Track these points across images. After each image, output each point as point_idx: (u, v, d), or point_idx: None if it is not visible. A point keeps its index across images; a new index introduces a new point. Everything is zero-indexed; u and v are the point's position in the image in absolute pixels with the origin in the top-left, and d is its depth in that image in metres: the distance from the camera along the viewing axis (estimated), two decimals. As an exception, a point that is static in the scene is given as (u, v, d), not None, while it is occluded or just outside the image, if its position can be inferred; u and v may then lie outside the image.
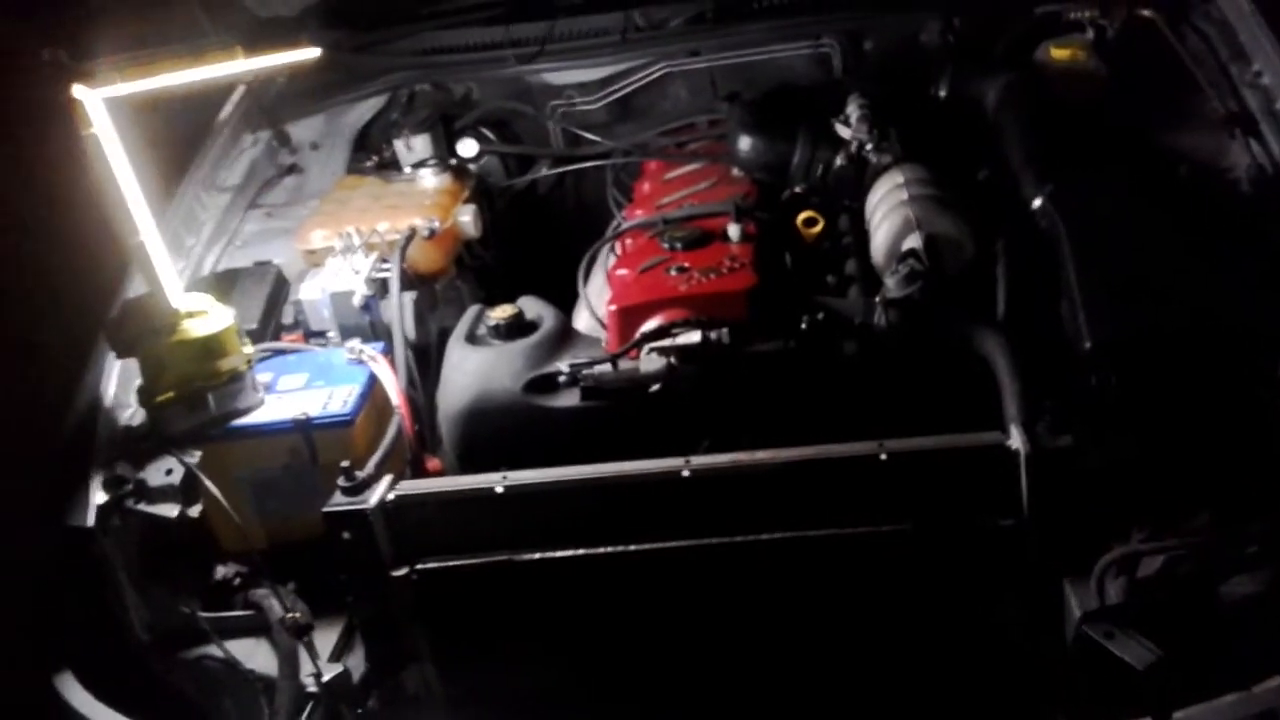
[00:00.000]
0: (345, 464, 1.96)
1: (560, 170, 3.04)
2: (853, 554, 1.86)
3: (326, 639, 2.10)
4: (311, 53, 2.47)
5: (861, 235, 2.35)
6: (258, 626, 2.09)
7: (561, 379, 2.11)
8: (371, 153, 2.99)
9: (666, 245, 2.29)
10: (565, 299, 2.49)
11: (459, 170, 2.82)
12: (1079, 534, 1.85)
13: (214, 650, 2.09)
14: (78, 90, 1.85)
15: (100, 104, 1.89)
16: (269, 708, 2.01)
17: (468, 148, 2.94)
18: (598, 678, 1.99)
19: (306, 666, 2.01)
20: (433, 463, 2.27)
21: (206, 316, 2.10)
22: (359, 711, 2.04)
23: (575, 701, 2.00)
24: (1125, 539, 1.85)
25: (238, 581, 2.12)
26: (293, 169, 3.01)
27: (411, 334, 2.38)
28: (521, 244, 3.05)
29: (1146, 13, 2.66)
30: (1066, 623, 1.85)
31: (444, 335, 2.51)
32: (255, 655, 2.08)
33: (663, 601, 1.92)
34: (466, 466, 2.16)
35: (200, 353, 2.08)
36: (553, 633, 1.98)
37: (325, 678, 1.97)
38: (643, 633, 1.95)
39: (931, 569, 1.86)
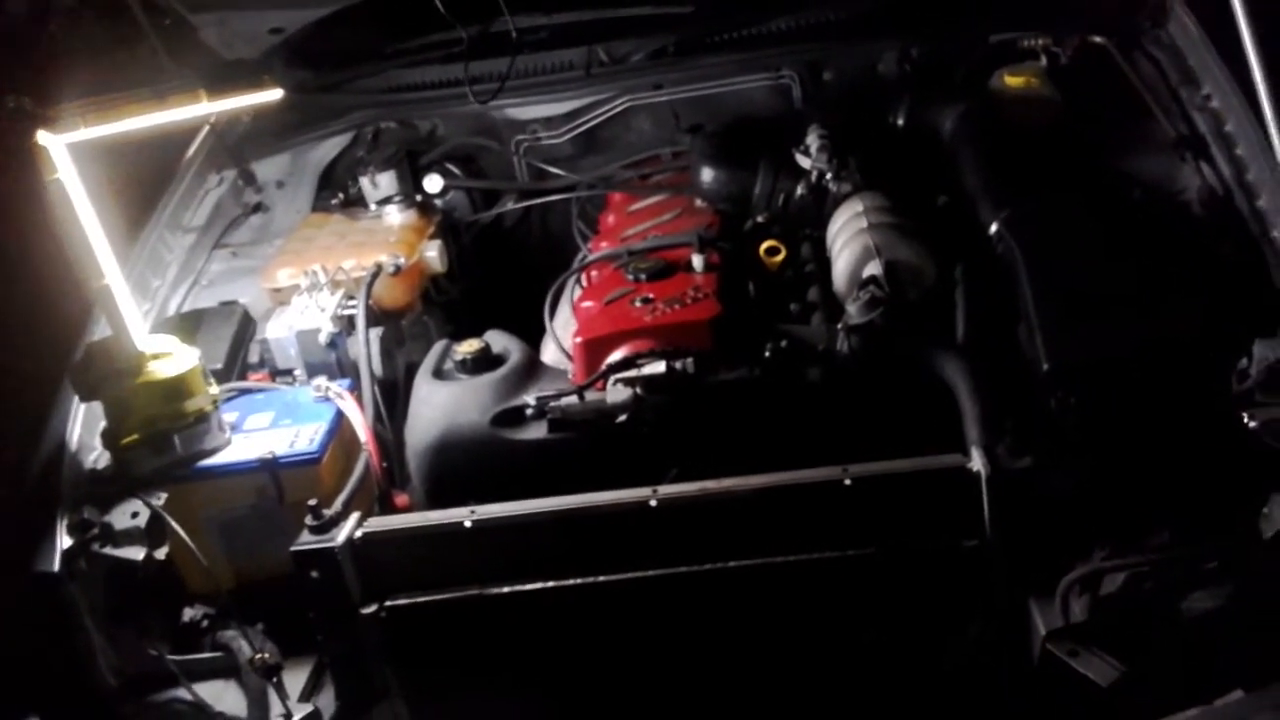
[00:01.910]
0: (312, 502, 1.96)
1: (526, 204, 3.05)
2: (820, 578, 1.87)
3: (297, 678, 2.09)
4: (275, 93, 2.49)
5: (823, 263, 2.38)
6: (227, 668, 2.09)
7: (529, 411, 2.11)
8: (337, 190, 3.01)
9: (631, 277, 2.31)
10: (532, 332, 2.50)
11: (424, 206, 2.84)
12: (1042, 553, 1.87)
13: (183, 693, 2.08)
14: (41, 137, 1.86)
15: (64, 149, 1.89)
16: (241, 749, 2.01)
17: (433, 183, 2.96)
18: (570, 710, 1.99)
19: (276, 707, 2.01)
20: (401, 499, 2.28)
21: (171, 358, 2.10)
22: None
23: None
24: (1088, 557, 1.87)
25: (205, 623, 2.11)
26: (258, 208, 3.01)
27: (379, 370, 2.39)
28: (488, 278, 3.06)
29: (1098, 39, 2.71)
30: (1032, 641, 1.88)
31: (411, 371, 2.51)
32: (224, 697, 2.07)
33: (633, 632, 1.93)
34: (435, 501, 2.16)
35: (165, 394, 2.08)
36: (524, 666, 1.98)
37: (295, 718, 1.96)
38: (614, 663, 1.95)
39: (898, 591, 1.88)
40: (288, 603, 2.10)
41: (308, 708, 1.98)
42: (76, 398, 2.21)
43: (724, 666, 1.93)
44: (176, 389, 2.09)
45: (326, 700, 2.06)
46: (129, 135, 2.00)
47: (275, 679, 1.96)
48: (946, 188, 2.44)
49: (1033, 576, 1.87)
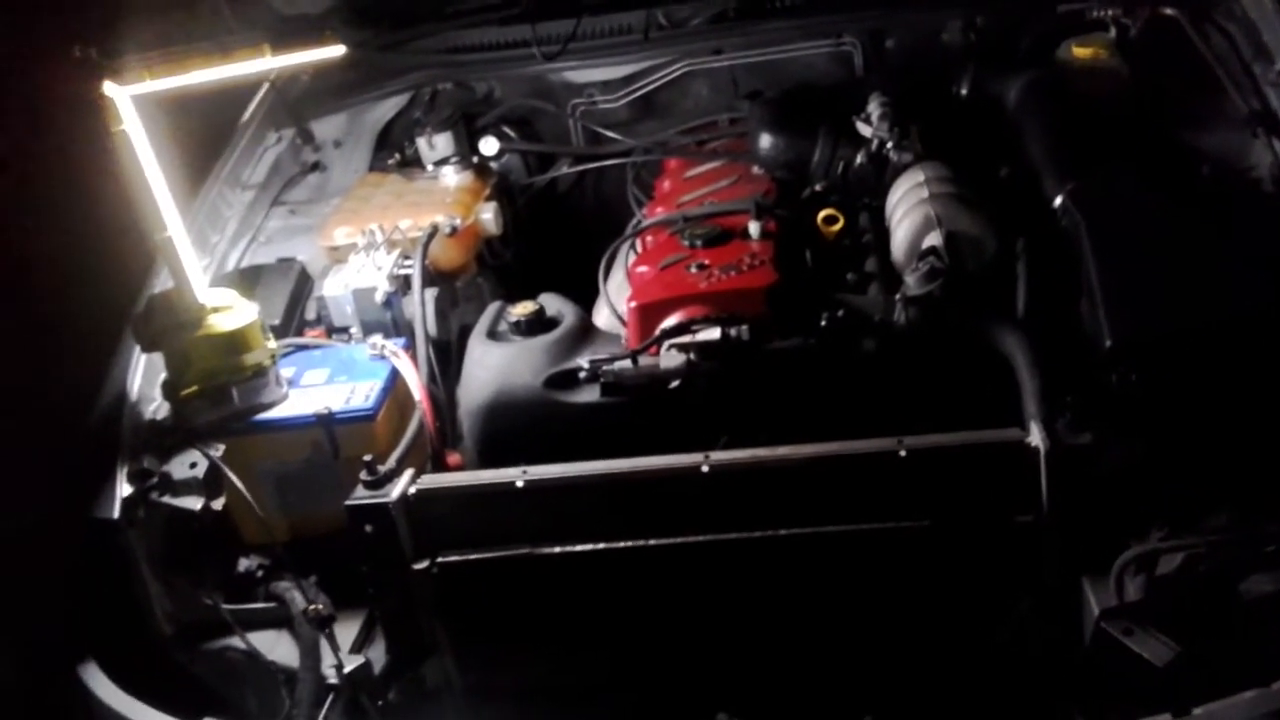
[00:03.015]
0: (368, 458, 1.98)
1: (581, 168, 3.05)
2: (872, 550, 1.86)
3: (347, 631, 2.11)
4: (337, 50, 2.49)
5: (881, 233, 2.35)
6: (280, 619, 2.11)
7: (582, 375, 2.12)
8: (394, 150, 3.02)
9: (686, 242, 2.30)
10: (585, 296, 2.50)
11: (480, 168, 2.84)
12: (1098, 532, 1.85)
13: (236, 642, 2.11)
14: (108, 87, 1.88)
15: (129, 101, 1.91)
16: (290, 699, 2.04)
17: (489, 145, 2.96)
18: (616, 672, 2.00)
19: (328, 658, 2.04)
20: (453, 458, 2.29)
21: (231, 311, 2.12)
22: (379, 704, 2.06)
23: (594, 696, 2.01)
24: (1144, 537, 1.85)
25: (260, 574, 2.13)
26: (316, 166, 3.03)
27: (433, 330, 2.40)
28: (541, 242, 3.06)
29: (1169, 11, 2.65)
30: (1085, 620, 1.86)
31: (465, 332, 2.52)
32: (277, 647, 2.10)
33: (682, 597, 1.93)
34: (487, 461, 2.17)
35: (225, 347, 2.10)
36: (572, 627, 1.99)
37: (347, 669, 1.99)
38: (662, 628, 1.96)
39: (951, 565, 1.87)
40: (340, 557, 2.14)
41: (358, 660, 2.00)
42: (137, 348, 2.24)
43: (771, 634, 1.93)
44: (235, 342, 2.11)
45: (377, 653, 2.08)
46: (192, 89, 2.00)
47: (327, 630, 1.98)
48: (1009, 159, 2.41)
49: (1088, 554, 1.85)
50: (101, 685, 2.05)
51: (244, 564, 2.14)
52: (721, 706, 1.88)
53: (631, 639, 1.98)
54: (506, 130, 3.06)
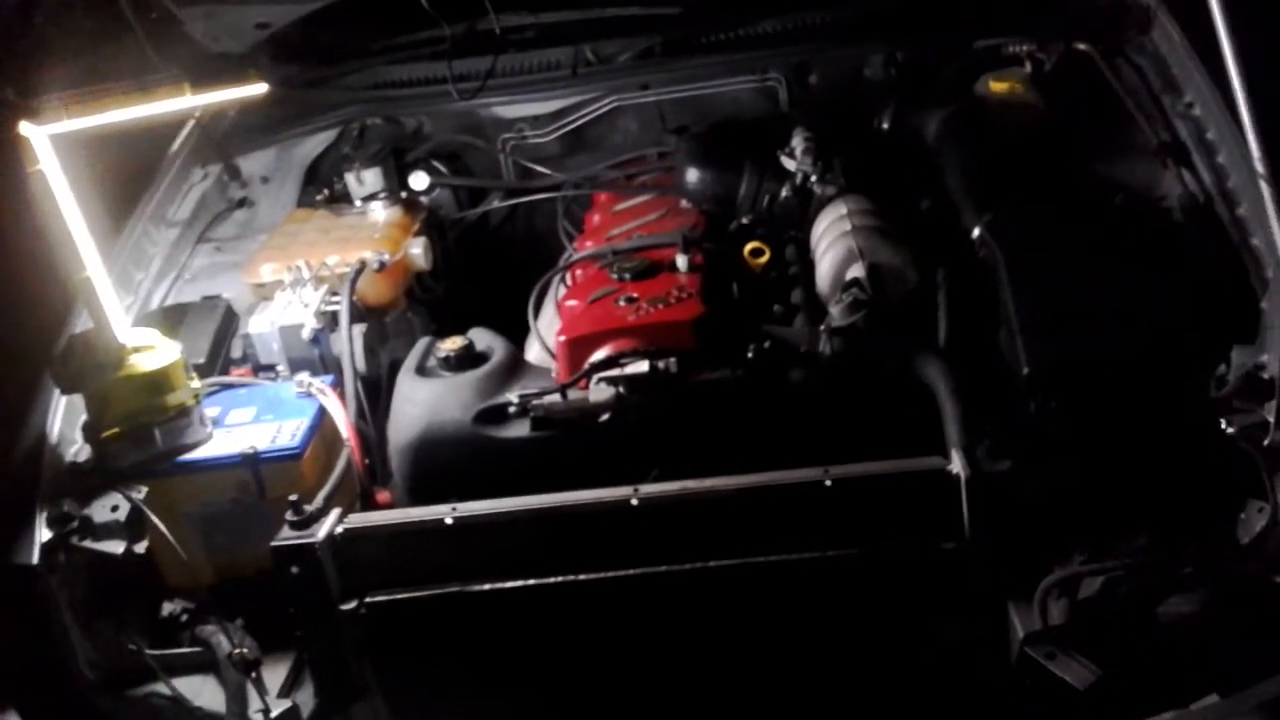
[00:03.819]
0: (293, 498, 1.96)
1: (512, 203, 3.05)
2: (800, 579, 1.88)
3: (276, 674, 2.09)
4: (259, 88, 2.48)
5: (807, 265, 2.39)
6: (205, 663, 2.08)
7: (511, 409, 2.12)
8: (322, 186, 3.00)
9: (615, 276, 2.31)
10: (517, 331, 2.51)
11: (410, 203, 2.84)
12: (1021, 556, 1.88)
13: (162, 688, 2.07)
14: (24, 127, 1.85)
15: (46, 141, 1.89)
16: (220, 745, 2.01)
17: (419, 180, 2.96)
18: (549, 709, 1.99)
19: (255, 703, 2.01)
20: (383, 495, 2.27)
21: (153, 351, 2.10)
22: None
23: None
24: (1066, 561, 1.89)
25: (185, 618, 2.10)
26: (243, 202, 3.00)
27: (362, 367, 2.38)
28: (473, 276, 3.06)
29: (1082, 46, 2.72)
30: (1010, 644, 1.89)
31: (394, 368, 2.51)
32: (203, 692, 2.07)
33: (614, 631, 1.93)
34: (417, 498, 2.16)
35: (147, 388, 2.07)
36: (504, 664, 1.97)
37: (274, 714, 1.96)
38: (594, 662, 1.95)
39: (877, 592, 1.89)
40: (267, 598, 2.11)
41: (286, 704, 1.98)
42: (58, 390, 2.20)
43: (704, 666, 1.93)
44: (158, 383, 2.08)
45: (305, 696, 2.05)
46: (113, 127, 1.99)
47: (254, 674, 1.96)
48: (930, 192, 2.46)
49: (1011, 579, 1.88)
50: (23, 736, 2.00)
51: (168, 608, 2.11)
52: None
53: (564, 675, 1.97)
54: (436, 165, 3.06)
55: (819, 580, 1.88)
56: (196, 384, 2.16)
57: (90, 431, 2.10)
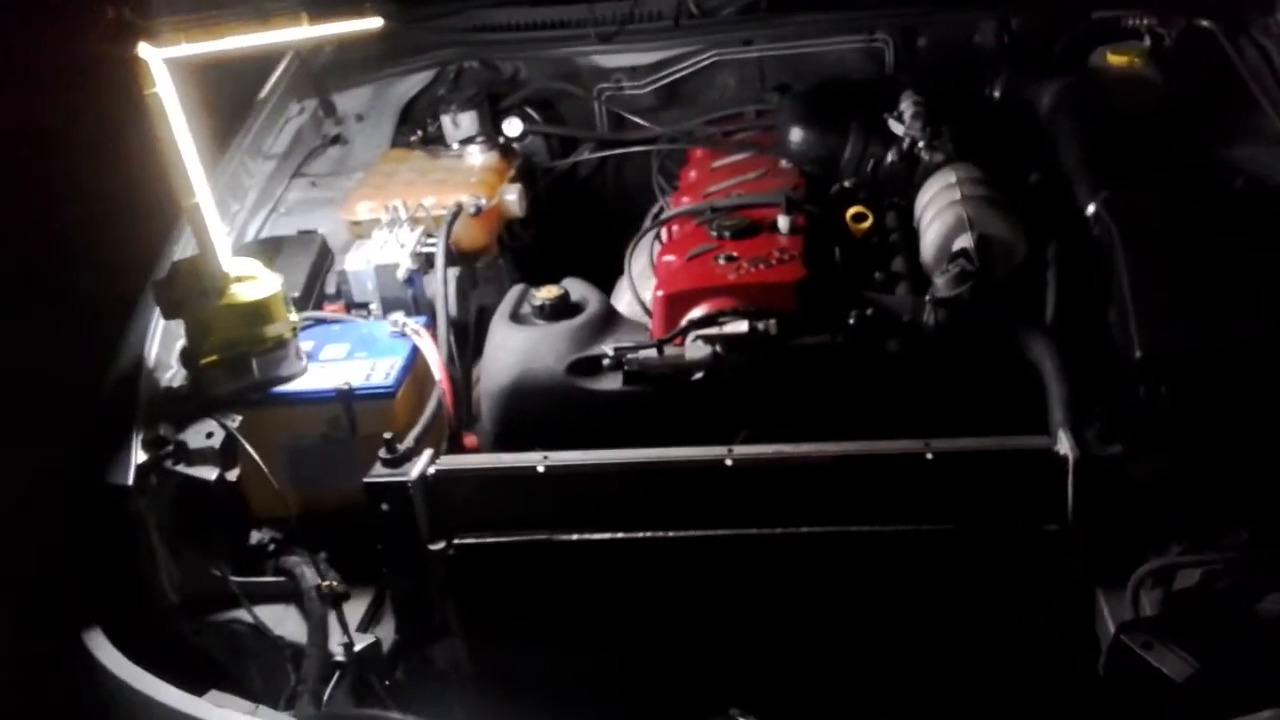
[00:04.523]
0: (388, 435, 1.97)
1: (606, 154, 3.02)
2: (893, 551, 1.85)
3: (354, 609, 2.09)
4: (374, 22, 2.46)
5: (908, 233, 2.34)
6: (288, 593, 2.10)
7: (605, 362, 2.10)
8: (416, 127, 2.99)
9: (714, 234, 2.28)
10: (601, 283, 2.47)
11: (506, 149, 2.82)
12: (1115, 543, 1.84)
13: (243, 615, 2.09)
14: (143, 49, 1.85)
15: (162, 64, 1.88)
16: (296, 675, 2.02)
17: (513, 127, 2.93)
18: (627, 663, 1.98)
19: (336, 635, 2.03)
20: (469, 439, 2.27)
21: (255, 282, 2.10)
22: (386, 683, 2.05)
23: (604, 687, 1.99)
24: (1161, 551, 1.84)
25: (272, 547, 2.11)
26: (337, 139, 3.00)
27: (454, 310, 2.38)
28: (559, 226, 3.04)
29: (1205, 23, 2.63)
30: (1098, 631, 1.85)
31: (482, 313, 2.51)
32: (284, 622, 2.09)
33: (698, 590, 1.92)
34: (505, 444, 2.15)
35: (247, 317, 2.08)
36: (586, 616, 1.97)
37: (357, 647, 1.97)
38: (676, 621, 1.94)
39: (971, 570, 1.86)
40: (349, 534, 2.12)
41: (369, 638, 1.99)
42: (155, 314, 2.22)
43: (787, 631, 1.92)
44: (258, 313, 2.09)
45: (384, 632, 2.07)
46: (224, 55, 1.98)
47: (339, 608, 1.97)
48: (1040, 165, 2.39)
49: (1104, 567, 1.84)
50: (107, 654, 2.03)
51: (256, 537, 2.12)
52: (734, 702, 1.86)
53: (645, 630, 1.96)
54: (530, 112, 3.04)
55: (912, 554, 1.86)
56: (294, 317, 2.16)
57: (188, 357, 2.11)
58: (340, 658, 2.01)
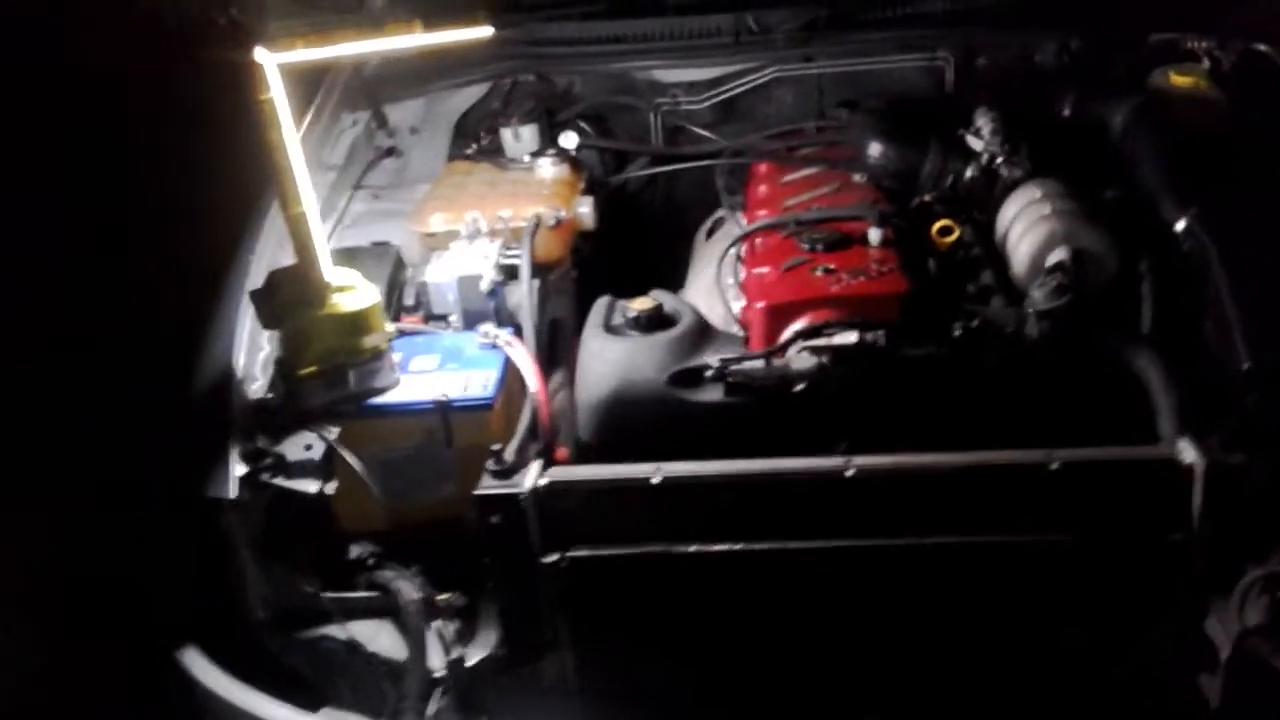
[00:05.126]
0: (495, 447, 1.94)
1: (671, 169, 3.01)
2: (1014, 562, 1.86)
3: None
4: (485, 31, 2.43)
5: (988, 247, 2.36)
6: (383, 608, 2.06)
7: (708, 374, 2.09)
8: (471, 140, 2.97)
9: (807, 246, 2.28)
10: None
11: (575, 162, 2.80)
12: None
13: (334, 631, 2.06)
14: (259, 53, 1.82)
15: (276, 69, 1.86)
16: (395, 691, 1.99)
17: (569, 140, 2.91)
18: (742, 677, 1.96)
19: (434, 651, 1.99)
20: (560, 452, 2.25)
21: (355, 292, 2.07)
22: (488, 699, 2.02)
23: (715, 701, 1.98)
24: (1263, 559, 1.86)
25: (371, 561, 2.07)
26: (391, 151, 2.97)
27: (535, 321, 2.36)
28: (613, 240, 3.03)
29: (1262, 47, 2.68)
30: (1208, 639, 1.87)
31: (554, 326, 2.49)
32: (377, 638, 2.05)
33: (816, 603, 1.91)
34: (602, 455, 2.13)
35: (346, 328, 2.05)
36: (699, 629, 1.95)
37: (469, 662, 1.94)
38: (793, 634, 1.93)
39: (1093, 580, 1.86)
40: (437, 547, 2.09)
41: (482, 652, 1.96)
42: (242, 324, 2.18)
43: (907, 644, 1.91)
44: (357, 323, 2.06)
45: (480, 647, 2.04)
46: (335, 60, 1.95)
47: (456, 621, 1.94)
48: (1114, 182, 2.42)
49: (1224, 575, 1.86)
50: (208, 673, 1.99)
51: (355, 551, 2.08)
52: (862, 713, 1.85)
53: (761, 643, 1.95)
54: (584, 126, 3.03)
55: (1033, 564, 1.86)
56: (390, 328, 2.13)
57: (285, 368, 2.07)
58: (439, 673, 1.98)
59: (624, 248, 3.00)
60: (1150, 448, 1.86)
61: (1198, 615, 1.86)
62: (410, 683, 1.96)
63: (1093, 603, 1.87)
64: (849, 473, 1.86)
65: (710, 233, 2.94)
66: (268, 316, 2.06)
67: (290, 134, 1.92)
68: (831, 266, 2.20)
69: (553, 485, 1.92)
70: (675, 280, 2.72)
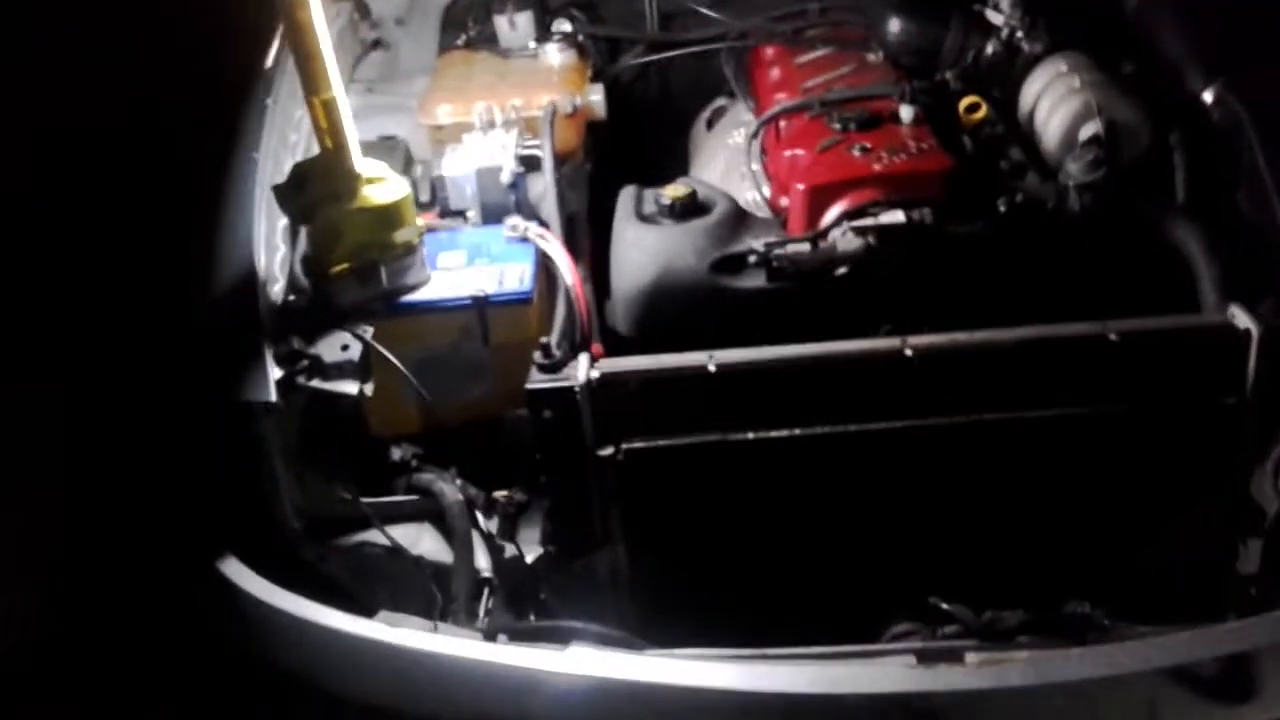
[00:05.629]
0: (544, 340, 1.89)
1: (674, 53, 2.92)
2: (1072, 434, 1.86)
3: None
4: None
5: (1011, 123, 2.33)
6: (425, 512, 2.01)
7: (752, 259, 2.05)
8: (459, 31, 2.85)
9: (839, 126, 2.22)
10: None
11: (582, 48, 2.70)
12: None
13: (373, 537, 2.00)
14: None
15: (301, -54, 1.74)
16: (443, 594, 1.95)
17: (564, 27, 2.81)
18: (802, 564, 1.96)
19: (480, 551, 1.96)
20: (596, 347, 2.20)
21: (385, 184, 1.98)
22: (540, 596, 2.00)
23: (770, 590, 1.97)
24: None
25: (415, 464, 2.02)
26: (377, 44, 2.84)
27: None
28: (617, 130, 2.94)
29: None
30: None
31: (571, 220, 2.42)
32: (420, 541, 2.00)
33: (875, 484, 1.90)
34: (642, 346, 2.09)
35: (378, 222, 1.96)
36: (758, 516, 1.94)
37: (529, 558, 1.91)
38: (854, 516, 1.92)
39: (1150, 448, 1.88)
40: (473, 447, 2.05)
41: (539, 550, 1.93)
42: (259, 222, 2.07)
43: (966, 522, 1.92)
44: (389, 217, 1.97)
45: (526, 544, 2.01)
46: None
47: (510, 521, 1.90)
48: (1129, 55, 2.39)
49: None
50: (252, 581, 1.92)
51: (397, 453, 2.02)
52: (917, 599, 1.85)
53: (818, 532, 1.94)
54: (575, 14, 2.92)
55: (1092, 435, 1.87)
56: (421, 222, 2.05)
57: (313, 265, 1.98)
58: (487, 574, 1.95)
59: (625, 139, 2.92)
60: (1205, 316, 1.87)
61: (1245, 478, 1.89)
62: (460, 583, 1.92)
63: (1148, 471, 1.89)
64: (906, 352, 1.85)
65: (710, 123, 2.88)
66: (297, 211, 1.96)
67: (319, 14, 1.80)
68: (868, 145, 2.15)
69: (605, 377, 1.87)
70: (676, 171, 2.66)
